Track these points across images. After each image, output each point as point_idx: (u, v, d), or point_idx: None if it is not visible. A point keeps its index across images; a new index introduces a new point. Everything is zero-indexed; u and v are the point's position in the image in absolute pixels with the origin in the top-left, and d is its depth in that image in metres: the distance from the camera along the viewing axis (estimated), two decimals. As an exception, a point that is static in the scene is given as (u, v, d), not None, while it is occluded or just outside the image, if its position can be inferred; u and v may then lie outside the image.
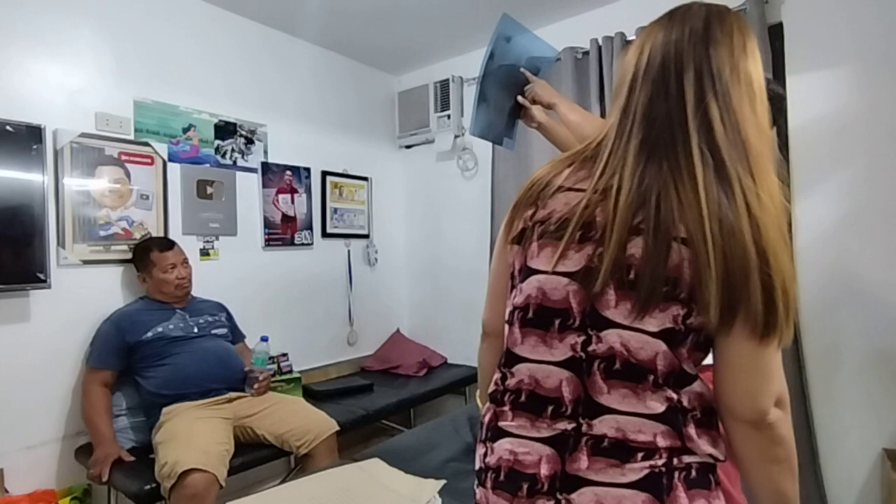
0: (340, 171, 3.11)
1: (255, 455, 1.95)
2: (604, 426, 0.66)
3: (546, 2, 2.56)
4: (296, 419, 2.02)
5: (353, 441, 2.61)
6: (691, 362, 0.68)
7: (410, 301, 3.49)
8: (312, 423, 2.02)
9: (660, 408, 0.66)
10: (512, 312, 0.77)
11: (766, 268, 0.61)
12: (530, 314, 0.73)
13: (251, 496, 1.52)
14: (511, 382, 0.75)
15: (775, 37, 2.10)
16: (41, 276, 1.85)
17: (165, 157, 2.30)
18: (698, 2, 0.74)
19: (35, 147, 1.85)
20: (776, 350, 0.65)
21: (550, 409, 0.70)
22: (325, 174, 3.01)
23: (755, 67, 0.70)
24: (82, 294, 2.02)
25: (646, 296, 0.64)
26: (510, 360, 0.76)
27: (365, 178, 3.27)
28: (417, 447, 1.82)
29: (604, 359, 0.67)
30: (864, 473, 1.95)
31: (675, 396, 0.66)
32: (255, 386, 2.09)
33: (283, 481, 2.04)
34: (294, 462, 2.34)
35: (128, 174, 2.17)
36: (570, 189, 0.73)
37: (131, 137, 2.19)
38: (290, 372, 2.66)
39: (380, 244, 3.35)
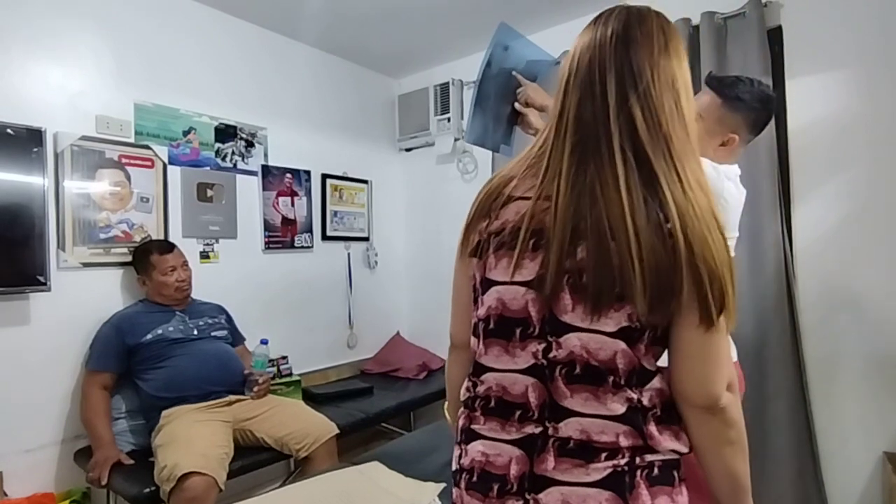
0: (340, 173, 3.11)
1: (255, 458, 1.95)
2: (569, 429, 0.69)
3: (545, 6, 2.56)
4: (295, 422, 2.02)
5: (353, 444, 2.60)
6: (651, 357, 0.70)
7: (410, 304, 3.49)
8: (312, 427, 2.02)
9: (620, 409, 0.68)
10: (476, 325, 0.79)
11: (692, 258, 0.63)
12: (491, 325, 0.75)
13: (251, 500, 1.52)
14: (481, 389, 0.77)
15: (775, 40, 2.10)
16: (41, 278, 1.85)
17: (166, 160, 2.30)
18: (623, 5, 0.76)
19: (35, 150, 1.85)
20: (724, 336, 0.68)
21: (518, 413, 0.72)
22: (325, 177, 3.01)
23: (679, 66, 0.72)
24: (82, 297, 2.02)
25: (595, 298, 0.66)
26: (477, 369, 0.79)
27: (365, 181, 3.27)
28: (417, 450, 1.82)
29: (564, 364, 0.69)
30: (865, 477, 1.95)
31: (635, 396, 0.68)
32: (255, 389, 2.09)
33: (283, 485, 2.04)
34: (294, 465, 2.34)
35: (128, 177, 2.17)
36: (520, 198, 0.75)
37: (132, 140, 2.20)
38: (290, 375, 2.66)
39: (380, 247, 3.35)
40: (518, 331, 0.72)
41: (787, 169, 2.10)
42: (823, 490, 2.00)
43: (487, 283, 0.76)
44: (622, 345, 0.67)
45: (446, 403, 1.03)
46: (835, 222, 2.01)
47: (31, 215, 1.83)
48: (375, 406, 2.52)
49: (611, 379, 0.68)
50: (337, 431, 2.06)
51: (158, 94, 2.30)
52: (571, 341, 0.69)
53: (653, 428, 0.68)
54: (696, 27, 2.21)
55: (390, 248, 3.43)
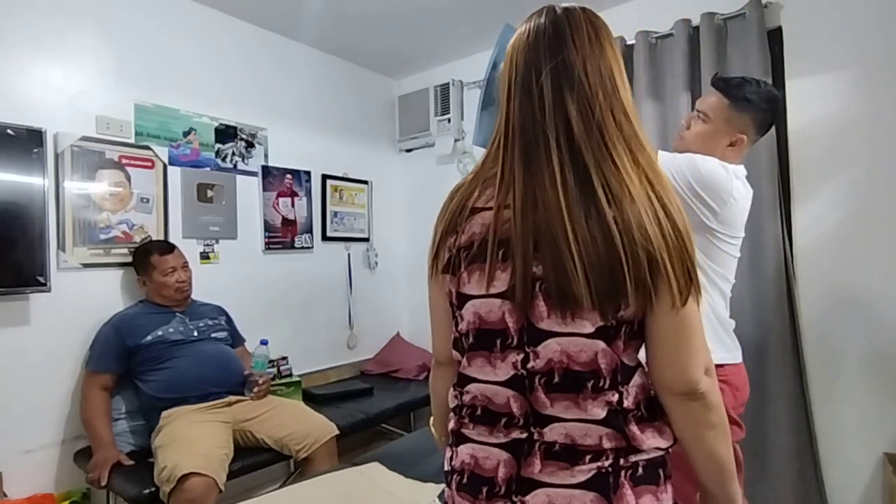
0: (341, 174, 3.11)
1: (255, 459, 1.94)
2: (553, 433, 0.70)
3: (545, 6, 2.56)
4: (295, 423, 2.02)
5: (353, 445, 2.60)
6: (631, 351, 0.71)
7: (410, 304, 3.49)
8: (312, 427, 2.02)
9: (601, 413, 0.69)
10: (457, 340, 0.80)
11: (632, 245, 0.64)
12: (472, 339, 0.76)
13: (251, 500, 1.52)
14: (466, 399, 0.79)
15: (775, 41, 2.11)
16: (41, 279, 1.85)
17: (166, 161, 2.30)
18: (551, 4, 0.77)
19: (36, 150, 1.85)
20: (693, 321, 0.68)
21: (504, 420, 0.74)
22: (325, 178, 3.01)
23: (612, 54, 0.73)
24: (82, 297, 2.02)
25: (558, 302, 0.67)
26: (462, 380, 0.80)
27: (365, 182, 3.27)
28: (417, 451, 1.82)
29: (543, 374, 0.70)
30: (866, 478, 1.95)
31: (614, 399, 0.69)
32: (255, 389, 2.09)
33: (283, 485, 2.04)
34: (294, 466, 2.34)
35: (128, 177, 2.17)
36: (483, 209, 0.75)
37: (132, 141, 2.20)
38: (290, 375, 2.65)
39: (380, 248, 3.35)
40: (498, 342, 0.73)
41: (787, 169, 2.10)
42: (824, 491, 2.00)
43: (463, 298, 0.77)
44: (602, 344, 0.68)
45: (432, 419, 1.04)
46: (835, 222, 2.01)
47: (31, 216, 1.83)
48: (375, 407, 2.51)
49: (590, 384, 0.69)
50: (337, 432, 2.06)
51: (158, 94, 2.30)
52: (551, 347, 0.69)
53: (635, 428, 0.69)
54: (696, 28, 2.21)
55: (390, 249, 3.42)
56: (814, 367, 2.05)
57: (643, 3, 2.49)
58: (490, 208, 0.73)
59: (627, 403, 0.69)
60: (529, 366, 0.71)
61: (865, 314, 1.95)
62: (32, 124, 1.86)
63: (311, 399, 2.52)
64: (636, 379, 0.71)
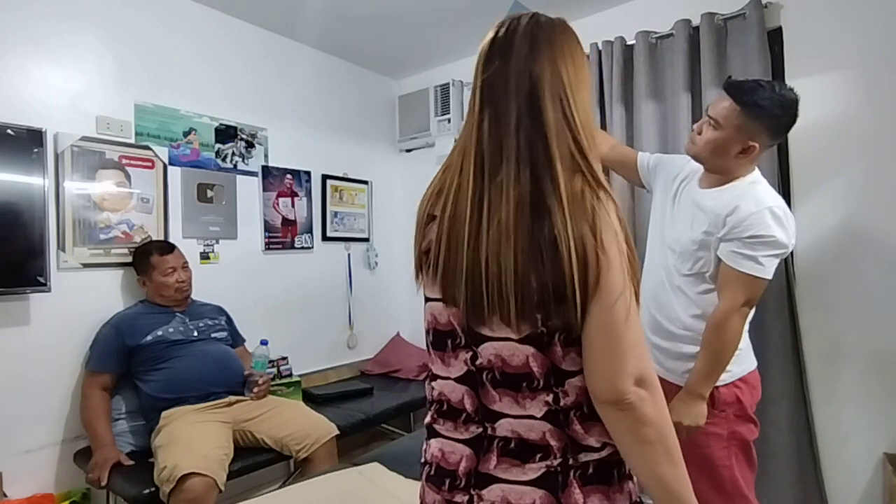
0: (341, 174, 3.11)
1: (255, 459, 1.94)
2: (503, 429, 0.73)
3: (545, 7, 2.56)
4: (295, 423, 2.02)
5: (353, 445, 2.60)
6: (575, 355, 0.70)
7: (410, 304, 3.49)
8: (312, 427, 2.02)
9: (539, 413, 0.71)
10: (426, 337, 0.85)
11: (497, 262, 0.66)
12: (431, 337, 0.82)
13: (251, 501, 1.52)
14: (435, 394, 0.84)
15: (775, 41, 2.11)
16: (41, 279, 1.85)
17: (166, 161, 2.30)
18: (511, 14, 0.78)
19: (36, 151, 1.85)
20: (619, 329, 0.65)
21: (463, 417, 0.77)
22: (325, 178, 3.01)
23: (554, 69, 0.72)
24: (82, 297, 2.02)
25: (493, 308, 0.70)
26: (431, 376, 0.85)
27: (365, 182, 3.27)
28: (417, 451, 1.81)
29: (489, 370, 0.74)
30: (866, 478, 1.95)
31: (550, 399, 0.70)
32: (255, 389, 2.09)
33: (283, 486, 2.04)
34: (294, 466, 2.34)
35: (128, 178, 2.17)
36: (436, 216, 0.78)
37: (132, 141, 2.20)
38: (290, 376, 2.66)
39: (380, 248, 3.35)
40: (449, 342, 0.78)
41: (787, 169, 2.10)
42: (824, 491, 2.00)
43: (425, 300, 0.82)
44: (531, 349, 0.70)
45: None
46: (835, 222, 2.01)
47: (31, 216, 1.83)
48: (375, 407, 2.51)
49: (524, 384, 0.71)
50: (337, 432, 2.06)
51: (159, 94, 2.30)
52: (488, 350, 0.73)
53: (578, 427, 0.70)
54: (697, 28, 2.21)
55: (390, 249, 3.42)
56: (814, 368, 2.05)
57: (643, 3, 2.49)
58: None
59: (565, 403, 0.70)
60: (478, 362, 0.74)
61: (865, 314, 1.95)
62: (32, 124, 1.86)
63: (311, 399, 2.52)
64: (575, 381, 0.70)
